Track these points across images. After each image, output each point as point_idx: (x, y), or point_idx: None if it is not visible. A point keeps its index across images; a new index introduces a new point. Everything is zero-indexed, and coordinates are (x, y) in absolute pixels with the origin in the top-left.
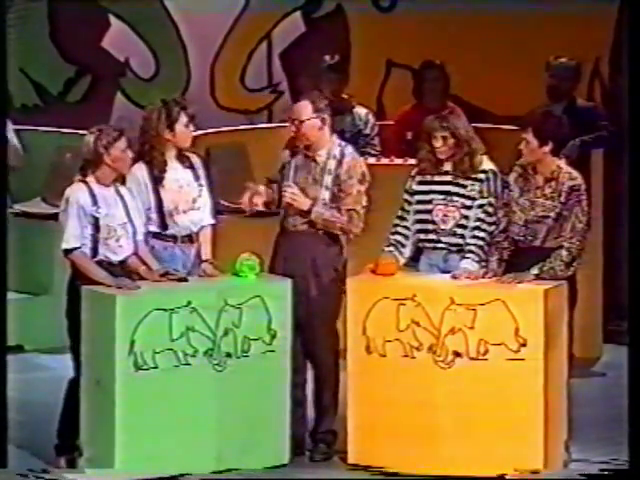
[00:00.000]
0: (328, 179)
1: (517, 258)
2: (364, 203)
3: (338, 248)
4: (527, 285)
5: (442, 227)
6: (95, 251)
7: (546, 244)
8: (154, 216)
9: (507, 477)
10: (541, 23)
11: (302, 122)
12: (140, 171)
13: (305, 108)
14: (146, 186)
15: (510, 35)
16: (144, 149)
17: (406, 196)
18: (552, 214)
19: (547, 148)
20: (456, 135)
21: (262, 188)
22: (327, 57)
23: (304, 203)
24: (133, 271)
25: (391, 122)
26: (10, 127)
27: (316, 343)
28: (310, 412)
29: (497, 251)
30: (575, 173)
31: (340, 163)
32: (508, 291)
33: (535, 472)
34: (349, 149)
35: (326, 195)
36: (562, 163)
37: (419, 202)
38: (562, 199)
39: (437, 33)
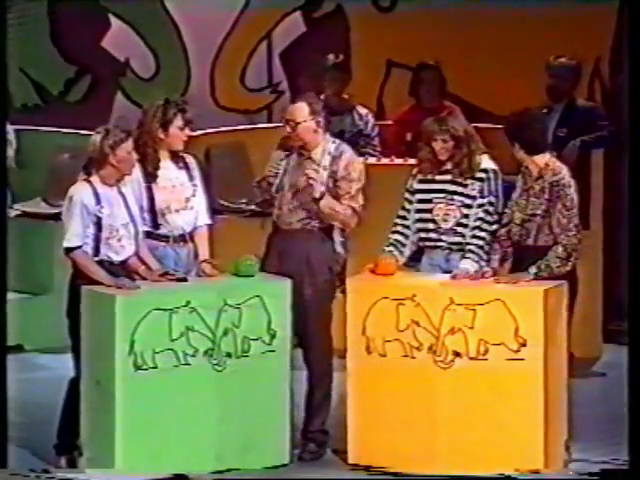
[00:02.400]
0: (324, 175)
1: (515, 258)
2: (362, 202)
3: (331, 246)
4: (527, 285)
5: (443, 226)
6: (97, 250)
7: (538, 242)
8: (146, 215)
9: (512, 476)
10: (541, 23)
11: (298, 124)
12: (134, 169)
13: (301, 110)
14: (139, 184)
15: (510, 35)
16: (139, 144)
17: (407, 195)
18: (539, 211)
19: (517, 148)
20: (455, 137)
21: None
22: (331, 56)
23: (318, 189)
24: (133, 271)
25: (390, 122)
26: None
27: (309, 342)
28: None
29: (499, 251)
30: (559, 169)
31: (335, 159)
32: (508, 291)
33: (535, 472)
34: (345, 146)
35: (322, 190)
36: (550, 160)
37: (420, 201)
38: (546, 196)
39: (437, 33)
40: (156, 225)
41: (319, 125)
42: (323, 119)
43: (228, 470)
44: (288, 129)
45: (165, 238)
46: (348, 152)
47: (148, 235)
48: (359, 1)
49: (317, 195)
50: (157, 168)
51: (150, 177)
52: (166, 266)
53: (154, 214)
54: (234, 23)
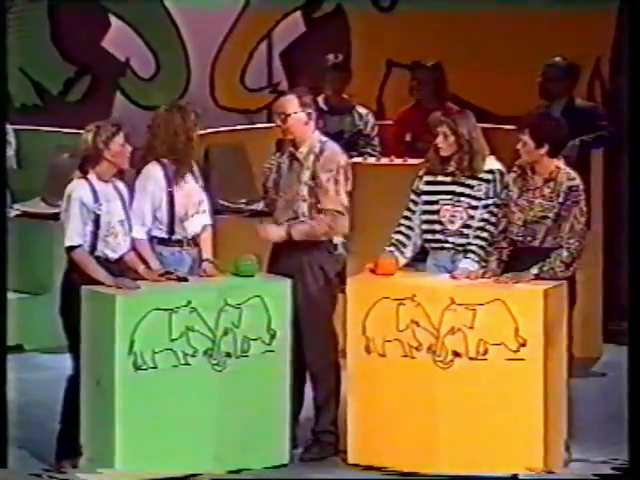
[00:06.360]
0: (307, 174)
1: (516, 258)
2: (345, 203)
3: (325, 243)
4: (527, 285)
5: (449, 227)
6: (93, 247)
7: (545, 244)
8: (165, 220)
9: (520, 477)
10: (541, 23)
11: (288, 116)
12: (156, 172)
13: (291, 102)
14: (161, 189)
15: (510, 35)
16: (163, 150)
17: (413, 196)
18: (551, 214)
19: (544, 150)
20: (456, 132)
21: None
22: (331, 56)
23: (278, 235)
24: (130, 268)
25: (390, 122)
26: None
27: (306, 341)
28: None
29: (496, 251)
30: (573, 173)
31: (317, 158)
32: (508, 291)
33: (550, 472)
34: (330, 144)
35: (305, 191)
36: (561, 163)
37: (426, 202)
38: (560, 199)
39: (437, 33)
40: (172, 231)
41: (310, 117)
42: (314, 113)
43: (228, 470)
44: (278, 122)
45: (179, 243)
46: (330, 149)
47: (162, 242)
48: (359, 1)
49: (281, 239)
50: (191, 172)
51: (177, 181)
52: (183, 270)
53: (172, 221)
54: (234, 23)
